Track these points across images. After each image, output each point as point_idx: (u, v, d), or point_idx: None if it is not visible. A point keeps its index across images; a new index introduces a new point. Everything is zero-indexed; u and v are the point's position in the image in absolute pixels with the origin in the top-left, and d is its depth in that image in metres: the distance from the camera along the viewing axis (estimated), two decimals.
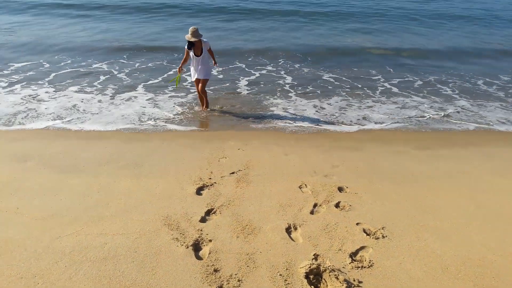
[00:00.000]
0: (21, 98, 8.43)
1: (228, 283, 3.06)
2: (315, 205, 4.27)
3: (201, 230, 3.74)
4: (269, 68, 11.72)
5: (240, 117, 7.72)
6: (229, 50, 13.41)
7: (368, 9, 23.44)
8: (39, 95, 8.67)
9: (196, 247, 3.51)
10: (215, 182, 4.77)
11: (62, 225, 3.78)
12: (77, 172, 5.00)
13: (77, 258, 3.30)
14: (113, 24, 17.71)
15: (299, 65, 12.14)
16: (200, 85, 7.59)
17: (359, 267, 3.29)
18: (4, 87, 9.19)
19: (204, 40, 7.21)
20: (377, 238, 3.70)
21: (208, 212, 4.09)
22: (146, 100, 8.57)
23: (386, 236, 3.73)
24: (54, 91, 9.01)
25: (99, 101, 8.44)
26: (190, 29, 6.93)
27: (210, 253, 3.42)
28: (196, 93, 8.06)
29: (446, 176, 5.22)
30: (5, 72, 10.48)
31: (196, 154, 5.68)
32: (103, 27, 16.87)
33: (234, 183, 4.78)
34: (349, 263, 3.33)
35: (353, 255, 3.45)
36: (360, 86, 10.09)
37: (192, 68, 7.61)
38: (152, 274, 3.14)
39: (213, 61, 7.58)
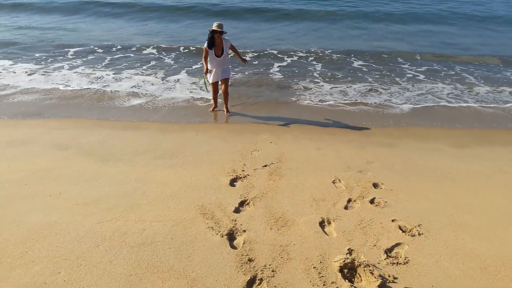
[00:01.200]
0: (89, 81, 9.39)
1: (262, 273, 3.10)
2: (349, 201, 4.24)
3: (235, 221, 3.80)
4: (300, 54, 12.31)
5: (272, 109, 7.73)
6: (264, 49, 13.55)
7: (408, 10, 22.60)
8: (103, 77, 9.70)
9: (231, 236, 3.57)
10: (248, 174, 4.81)
11: (102, 211, 3.92)
12: (115, 161, 5.16)
13: (117, 243, 3.42)
14: (156, 23, 18.08)
15: (329, 51, 12.74)
16: (223, 85, 7.28)
17: (394, 263, 3.26)
18: (69, 69, 10.51)
19: (226, 38, 7.01)
20: (413, 236, 3.64)
21: (242, 203, 4.15)
22: (191, 84, 9.33)
23: (422, 234, 3.66)
24: (114, 73, 10.00)
25: (152, 84, 9.25)
26: (215, 23, 6.78)
27: (244, 243, 3.47)
28: (212, 97, 7.61)
29: (485, 175, 5.05)
30: (67, 56, 11.81)
31: (229, 146, 5.74)
32: (146, 25, 17.49)
33: (267, 175, 4.81)
34: (384, 259, 3.29)
35: (388, 251, 3.41)
36: (388, 73, 10.39)
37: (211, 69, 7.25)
38: (189, 261, 3.22)
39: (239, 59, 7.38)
